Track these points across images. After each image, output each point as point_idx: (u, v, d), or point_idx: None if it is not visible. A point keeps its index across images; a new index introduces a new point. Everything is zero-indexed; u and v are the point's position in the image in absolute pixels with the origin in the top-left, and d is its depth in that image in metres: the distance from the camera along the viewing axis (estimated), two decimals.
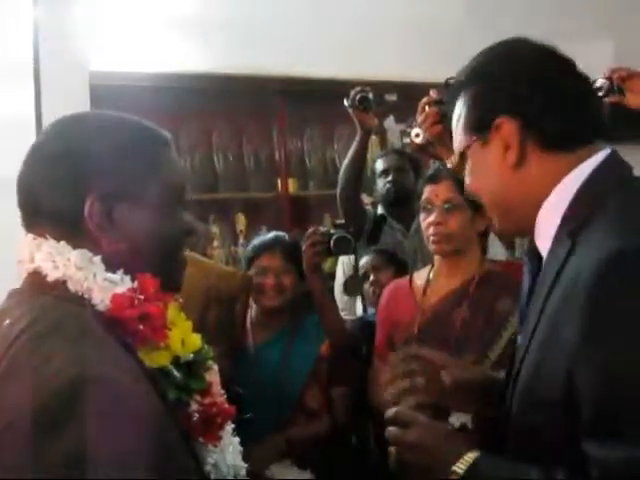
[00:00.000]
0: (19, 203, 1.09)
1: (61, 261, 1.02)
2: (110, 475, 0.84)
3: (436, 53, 3.78)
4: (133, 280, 1.05)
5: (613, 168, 1.15)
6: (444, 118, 2.21)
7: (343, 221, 2.51)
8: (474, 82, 1.22)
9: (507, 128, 1.15)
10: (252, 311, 2.49)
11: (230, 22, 3.50)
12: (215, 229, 3.84)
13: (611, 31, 4.17)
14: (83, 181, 1.04)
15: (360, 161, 2.92)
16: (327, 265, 3.06)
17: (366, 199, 3.33)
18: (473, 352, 1.99)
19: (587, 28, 4.06)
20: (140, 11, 3.36)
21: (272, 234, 2.57)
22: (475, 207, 2.07)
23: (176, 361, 1.06)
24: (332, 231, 2.38)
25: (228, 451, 1.11)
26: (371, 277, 2.69)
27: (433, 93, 2.24)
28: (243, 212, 3.89)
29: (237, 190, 3.92)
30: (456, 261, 2.09)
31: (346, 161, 2.95)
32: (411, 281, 2.22)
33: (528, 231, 1.19)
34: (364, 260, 2.77)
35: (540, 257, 1.19)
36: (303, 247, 2.35)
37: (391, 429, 1.20)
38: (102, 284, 1.03)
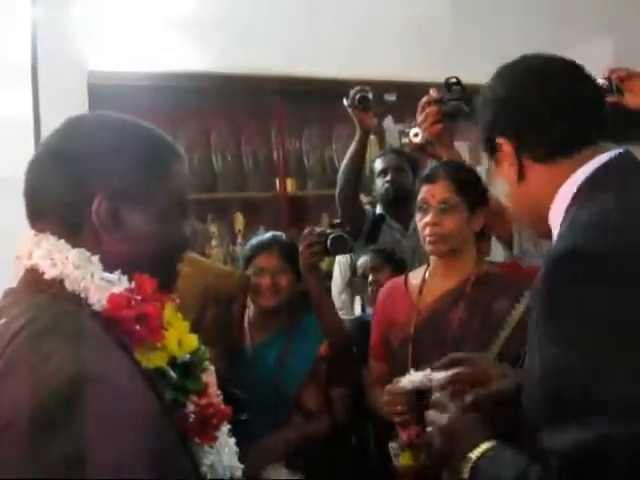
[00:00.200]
0: (25, 199, 1.09)
1: (59, 259, 1.03)
2: (108, 475, 0.85)
3: (435, 53, 3.79)
4: (130, 280, 1.05)
5: (612, 170, 1.19)
6: (444, 117, 2.22)
7: (339, 220, 2.50)
8: (483, 106, 1.34)
9: (505, 148, 1.26)
10: (250, 311, 2.49)
11: (228, 22, 3.50)
12: (213, 228, 3.83)
13: (611, 31, 4.17)
14: (92, 179, 1.05)
15: (359, 161, 2.92)
16: (325, 265, 3.05)
17: (364, 199, 3.33)
18: (470, 352, 1.98)
19: (587, 28, 4.06)
20: (138, 11, 3.36)
21: (269, 234, 2.56)
22: (471, 207, 2.07)
23: (173, 362, 1.07)
24: (329, 231, 2.37)
25: (224, 452, 1.11)
26: (370, 277, 2.69)
27: (433, 92, 2.23)
28: (241, 212, 3.89)
29: (235, 190, 3.92)
30: (452, 261, 2.09)
31: (345, 161, 2.95)
32: (406, 281, 2.21)
33: (549, 234, 1.28)
34: (362, 260, 2.77)
35: None
36: (300, 248, 2.34)
37: (430, 412, 1.35)
38: (99, 284, 1.03)
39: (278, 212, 3.90)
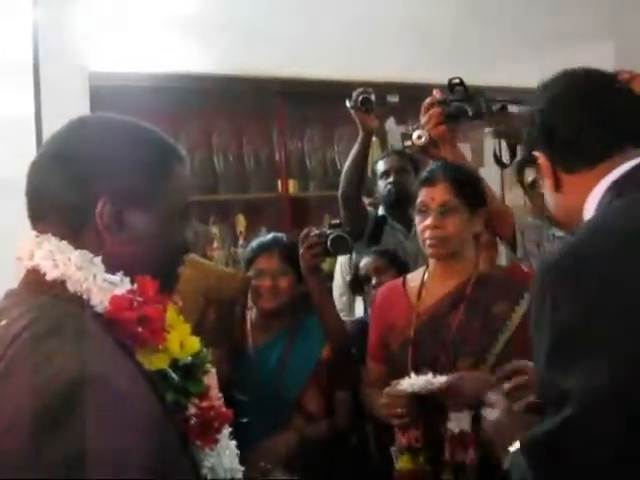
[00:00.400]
0: (27, 200, 1.09)
1: (61, 260, 1.03)
2: (109, 475, 0.85)
3: (437, 55, 3.79)
4: (132, 282, 1.05)
5: (632, 177, 1.26)
6: (447, 118, 2.21)
7: (338, 221, 2.50)
8: (526, 121, 1.42)
9: (542, 161, 1.35)
10: (252, 313, 2.48)
11: (230, 23, 3.50)
12: (215, 230, 3.83)
13: (611, 31, 4.17)
14: (96, 181, 1.05)
15: (362, 162, 2.92)
16: (326, 266, 3.05)
17: (365, 200, 3.32)
18: (470, 355, 1.98)
19: (587, 28, 4.06)
20: (140, 12, 3.36)
21: (270, 235, 2.55)
22: (471, 209, 2.06)
23: (174, 364, 1.06)
24: (328, 231, 2.37)
25: (225, 454, 1.11)
26: (373, 279, 2.67)
27: (436, 93, 2.23)
28: (243, 213, 3.89)
29: (237, 191, 3.92)
30: (451, 263, 2.08)
31: (348, 162, 2.95)
32: (404, 283, 2.20)
33: None
34: (365, 261, 2.75)
35: None
36: (300, 249, 2.34)
37: (484, 409, 1.58)
38: (102, 285, 1.03)
39: (280, 213, 3.89)
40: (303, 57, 3.61)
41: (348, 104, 2.71)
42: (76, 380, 0.88)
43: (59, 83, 2.83)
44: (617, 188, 1.25)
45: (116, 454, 0.86)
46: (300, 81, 3.74)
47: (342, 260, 3.26)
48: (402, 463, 1.90)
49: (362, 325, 2.53)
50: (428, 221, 2.03)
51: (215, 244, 3.81)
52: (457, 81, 2.22)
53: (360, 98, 2.69)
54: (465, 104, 2.20)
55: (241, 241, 3.83)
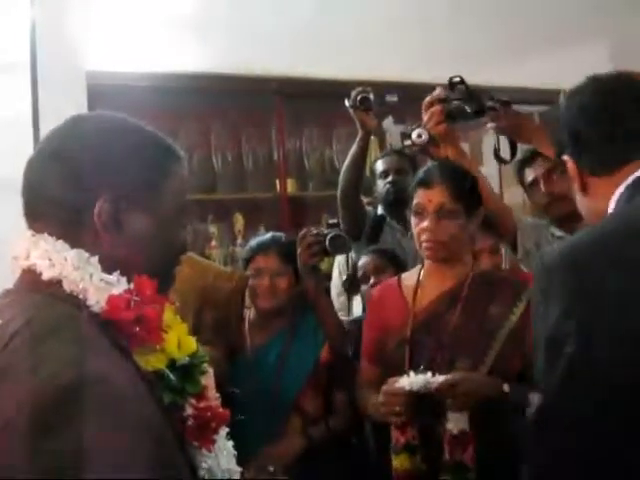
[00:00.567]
0: (23, 199, 1.09)
1: (57, 259, 1.02)
2: (107, 477, 0.84)
3: (436, 54, 3.78)
4: (129, 282, 1.05)
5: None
6: (448, 117, 2.21)
7: (336, 220, 2.49)
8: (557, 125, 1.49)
9: (569, 165, 1.39)
10: (250, 313, 2.48)
11: (229, 22, 3.50)
12: (213, 229, 3.83)
13: (611, 31, 4.17)
14: (94, 181, 1.04)
15: (361, 161, 2.91)
16: (324, 265, 3.05)
17: (364, 200, 3.32)
18: (468, 356, 1.97)
19: (587, 28, 4.06)
20: (138, 10, 3.35)
21: (269, 235, 2.54)
22: (468, 210, 2.05)
23: (172, 364, 1.06)
24: (326, 231, 2.36)
25: (222, 455, 1.11)
26: (372, 278, 2.67)
27: (438, 91, 2.23)
28: (241, 212, 3.88)
29: (236, 190, 3.91)
30: (447, 263, 2.07)
31: (347, 161, 2.94)
32: (400, 282, 2.19)
33: None
34: (364, 260, 2.75)
35: None
36: (298, 249, 2.33)
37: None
38: (98, 285, 1.02)
39: (278, 213, 3.89)
40: (302, 57, 3.61)
41: (347, 103, 2.71)
42: (74, 381, 0.87)
43: (56, 82, 2.83)
44: (629, 192, 1.29)
45: (114, 455, 0.86)
46: (298, 81, 3.74)
47: (340, 260, 3.26)
48: (399, 462, 1.89)
49: (360, 324, 2.53)
50: (425, 224, 2.02)
51: (213, 243, 3.81)
52: (458, 79, 2.22)
53: (359, 97, 2.69)
54: (466, 102, 2.20)
55: (239, 240, 3.82)
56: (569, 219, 2.57)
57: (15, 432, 0.85)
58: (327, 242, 2.33)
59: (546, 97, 3.66)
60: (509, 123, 2.26)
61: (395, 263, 2.71)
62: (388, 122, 4.04)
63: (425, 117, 2.21)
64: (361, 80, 2.97)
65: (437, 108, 2.19)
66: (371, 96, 2.70)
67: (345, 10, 3.72)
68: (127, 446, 0.87)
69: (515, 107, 2.35)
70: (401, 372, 1.94)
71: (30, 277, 1.04)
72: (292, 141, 4.04)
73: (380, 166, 3.18)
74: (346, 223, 2.85)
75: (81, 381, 0.87)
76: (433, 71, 2.74)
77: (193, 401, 1.07)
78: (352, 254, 2.87)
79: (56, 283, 1.02)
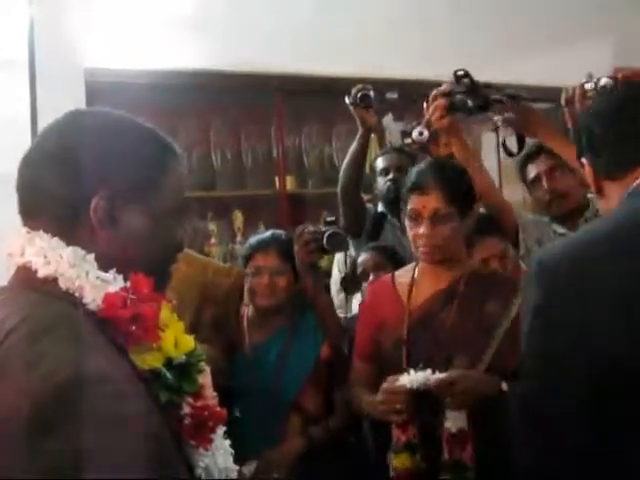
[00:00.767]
0: (18, 195, 1.08)
1: (53, 257, 1.02)
2: (103, 475, 0.84)
3: (436, 52, 3.78)
4: (125, 280, 1.04)
5: None
6: (451, 109, 2.21)
7: (334, 218, 2.49)
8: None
9: (587, 168, 1.43)
10: (248, 310, 2.47)
11: (229, 18, 3.49)
12: (213, 226, 3.82)
13: (613, 29, 4.17)
14: (90, 177, 1.04)
15: (361, 158, 2.91)
16: (324, 263, 3.04)
17: (364, 197, 3.31)
18: (465, 355, 1.96)
19: (589, 26, 4.06)
20: (137, 7, 3.35)
21: (269, 232, 2.53)
22: (463, 212, 2.04)
23: (168, 363, 1.05)
24: (324, 228, 2.36)
25: (219, 454, 1.10)
26: (371, 275, 2.66)
27: (444, 86, 2.23)
28: (241, 210, 3.88)
29: (235, 187, 3.91)
30: (443, 263, 2.06)
31: (347, 159, 2.94)
32: (394, 279, 2.18)
33: None
34: (363, 257, 2.74)
35: None
36: (295, 247, 2.33)
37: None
38: (94, 283, 1.02)
39: (278, 210, 3.89)
40: (301, 54, 3.60)
41: (347, 100, 2.70)
42: (72, 379, 0.87)
43: (55, 79, 2.83)
44: (631, 196, 1.32)
45: (113, 455, 0.85)
46: (298, 78, 3.74)
47: (339, 257, 3.26)
48: (400, 461, 1.89)
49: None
50: (421, 230, 2.01)
51: (213, 240, 3.80)
52: (462, 73, 2.22)
53: (359, 95, 2.69)
54: (469, 96, 2.19)
55: (239, 238, 3.82)
56: (571, 216, 2.57)
57: (13, 431, 0.85)
58: (324, 240, 2.33)
59: (548, 95, 3.65)
60: (516, 116, 2.26)
61: (395, 260, 2.70)
62: (388, 119, 4.03)
63: (430, 110, 2.21)
64: (361, 77, 2.97)
65: (441, 102, 2.19)
66: (371, 93, 2.69)
67: (346, 7, 3.72)
68: (126, 445, 0.86)
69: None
70: (398, 371, 1.93)
71: (25, 274, 1.03)
72: (291, 138, 4.03)
73: (380, 164, 3.18)
74: (347, 220, 2.85)
75: (79, 379, 0.87)
76: (434, 69, 2.73)
77: (190, 400, 1.06)
78: (351, 251, 2.86)
79: (52, 281, 1.01)
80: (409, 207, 2.05)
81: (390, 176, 3.11)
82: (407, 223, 2.07)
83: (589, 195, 2.57)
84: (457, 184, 2.05)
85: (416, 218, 2.03)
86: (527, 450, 1.25)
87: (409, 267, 2.19)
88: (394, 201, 3.10)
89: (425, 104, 2.26)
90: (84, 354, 0.91)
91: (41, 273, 1.02)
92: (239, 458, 1.17)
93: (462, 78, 2.22)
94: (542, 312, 1.25)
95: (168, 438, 0.98)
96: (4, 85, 2.76)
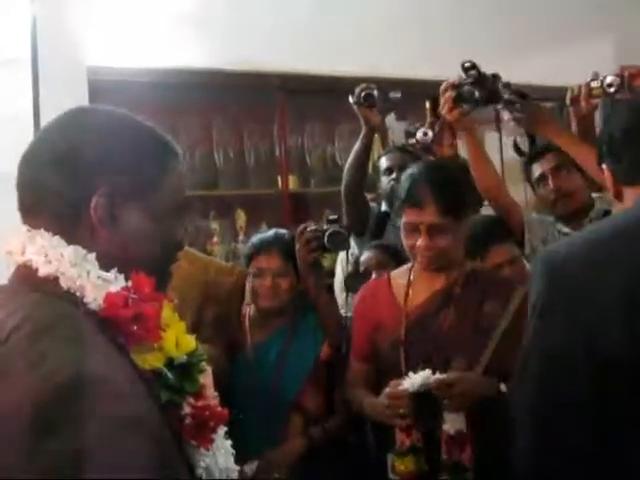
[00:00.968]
0: (18, 192, 1.08)
1: (54, 256, 1.01)
2: (105, 476, 0.84)
3: (439, 51, 3.77)
4: (126, 279, 1.03)
5: None
6: (459, 100, 2.22)
7: (336, 216, 2.48)
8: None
9: (606, 173, 1.46)
10: (250, 310, 2.46)
11: (231, 17, 3.49)
12: (215, 225, 3.82)
13: (615, 28, 4.16)
14: (91, 175, 1.03)
15: (365, 157, 2.91)
16: (327, 262, 3.04)
17: (368, 196, 3.31)
18: (464, 356, 1.96)
19: (591, 25, 4.05)
20: (139, 5, 3.34)
21: (271, 232, 2.51)
22: (459, 219, 2.02)
23: (169, 363, 1.05)
24: (325, 227, 2.35)
25: (220, 454, 1.10)
26: (374, 274, 2.65)
27: (453, 78, 2.24)
28: (243, 209, 3.88)
29: (237, 186, 3.91)
30: (440, 267, 2.06)
31: (351, 158, 2.94)
32: (389, 280, 2.17)
33: None
34: (366, 256, 2.74)
35: None
36: (296, 245, 2.32)
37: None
38: (95, 282, 1.01)
39: (280, 209, 3.89)
40: (304, 53, 3.60)
41: (351, 99, 2.71)
42: (73, 379, 0.87)
43: (57, 77, 2.83)
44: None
45: (113, 455, 0.85)
46: (301, 77, 3.74)
47: (342, 256, 3.25)
48: (404, 464, 1.88)
49: None
50: (419, 242, 2.00)
51: (215, 239, 3.81)
52: (469, 65, 2.23)
53: (363, 94, 2.69)
54: (476, 87, 2.21)
55: (241, 236, 3.82)
56: (576, 216, 2.57)
57: (14, 431, 0.84)
58: (326, 238, 2.32)
59: (550, 94, 3.65)
60: (525, 114, 2.27)
61: (397, 259, 2.68)
62: (390, 119, 4.03)
63: (441, 104, 2.24)
64: (363, 77, 2.97)
65: (450, 94, 2.21)
66: (375, 93, 2.69)
67: (347, 6, 3.72)
68: (126, 445, 0.86)
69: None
70: (396, 372, 1.93)
71: (26, 273, 1.03)
72: (294, 137, 4.03)
73: (384, 163, 3.17)
74: (350, 219, 2.85)
75: (80, 379, 0.87)
76: (434, 69, 2.73)
77: (191, 400, 1.06)
78: (355, 250, 2.86)
79: (53, 280, 1.01)
80: (404, 220, 2.03)
81: (393, 175, 3.11)
82: (403, 233, 2.05)
83: (594, 195, 2.57)
84: (452, 195, 2.01)
85: (412, 230, 2.01)
86: (527, 450, 1.24)
87: (405, 268, 2.17)
88: None
89: (427, 103, 2.28)
90: (85, 354, 0.91)
91: (42, 272, 1.01)
92: (240, 458, 1.16)
93: (469, 70, 2.23)
94: (546, 311, 1.25)
95: (169, 438, 0.98)
96: (7, 83, 2.76)
